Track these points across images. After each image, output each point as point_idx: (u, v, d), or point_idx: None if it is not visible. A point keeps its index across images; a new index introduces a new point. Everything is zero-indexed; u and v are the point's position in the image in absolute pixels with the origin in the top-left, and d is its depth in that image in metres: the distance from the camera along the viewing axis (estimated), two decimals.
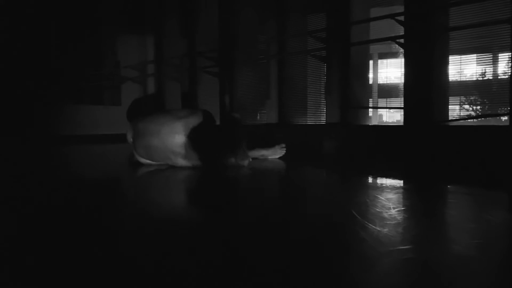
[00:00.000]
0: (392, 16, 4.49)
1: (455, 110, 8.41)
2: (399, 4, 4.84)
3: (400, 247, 1.30)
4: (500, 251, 1.34)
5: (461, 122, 5.08)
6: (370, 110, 18.18)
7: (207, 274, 1.10)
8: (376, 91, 20.77)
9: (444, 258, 1.24)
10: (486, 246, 1.34)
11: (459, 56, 6.04)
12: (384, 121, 24.12)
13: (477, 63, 5.96)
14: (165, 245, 1.39)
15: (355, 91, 5.03)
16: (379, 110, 23.10)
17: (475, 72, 7.38)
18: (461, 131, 4.02)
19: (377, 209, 1.84)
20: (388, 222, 1.60)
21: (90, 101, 9.02)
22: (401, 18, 4.47)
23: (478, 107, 10.23)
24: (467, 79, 8.17)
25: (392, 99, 19.51)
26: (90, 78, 8.88)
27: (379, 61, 21.66)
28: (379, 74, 21.65)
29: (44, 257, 1.27)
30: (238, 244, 1.41)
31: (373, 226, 1.53)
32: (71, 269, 1.16)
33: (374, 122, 18.97)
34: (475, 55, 5.82)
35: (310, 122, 5.86)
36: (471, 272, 1.13)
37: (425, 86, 4.32)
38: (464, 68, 7.40)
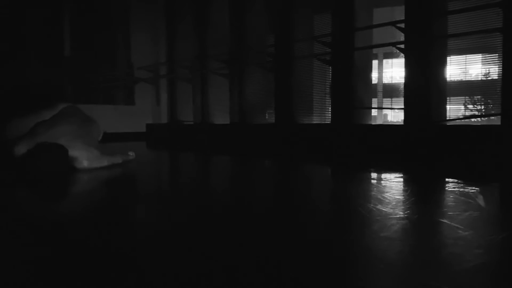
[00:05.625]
0: (393, 23, 4.82)
1: (459, 110, 8.59)
2: (400, 4, 5.09)
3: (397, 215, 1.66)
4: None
5: (460, 122, 5.36)
6: (374, 110, 18.45)
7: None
8: (381, 90, 21.00)
9: (424, 220, 1.59)
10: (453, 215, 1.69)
11: (464, 56, 6.23)
12: (389, 120, 24.32)
13: (482, 63, 6.12)
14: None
15: (358, 92, 5.36)
16: (384, 109, 23.31)
17: (479, 72, 7.54)
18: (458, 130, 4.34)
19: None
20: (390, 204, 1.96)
21: (103, 101, 9.39)
22: (402, 25, 4.79)
23: (482, 107, 10.45)
24: (471, 79, 8.34)
25: (397, 98, 19.70)
26: (104, 79, 9.27)
27: (384, 60, 21.87)
28: (384, 74, 21.86)
29: None
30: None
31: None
32: None
33: (379, 121, 19.24)
34: (480, 55, 6.01)
35: (316, 121, 6.20)
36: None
37: (424, 88, 4.65)
38: (469, 68, 7.46)
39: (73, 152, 3.35)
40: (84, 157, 3.41)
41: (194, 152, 6.03)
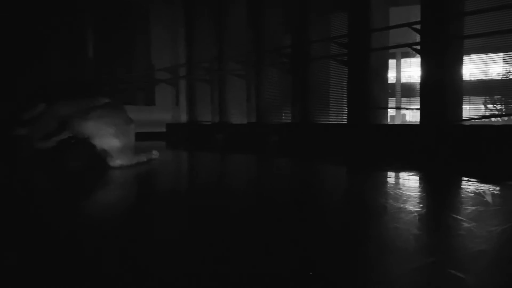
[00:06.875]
0: (409, 24, 4.88)
1: (479, 110, 8.50)
2: (416, 3, 5.13)
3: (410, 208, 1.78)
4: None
5: (479, 121, 5.37)
6: (392, 110, 18.35)
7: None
8: (399, 90, 20.83)
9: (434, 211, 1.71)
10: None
11: (482, 55, 6.19)
12: (408, 120, 24.13)
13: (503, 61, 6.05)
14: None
15: (374, 92, 5.44)
16: (402, 109, 23.11)
17: (499, 71, 7.43)
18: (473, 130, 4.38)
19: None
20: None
21: (124, 101, 9.65)
22: (418, 26, 4.85)
23: (503, 107, 10.31)
24: (490, 78, 8.23)
25: (415, 98, 19.50)
26: (125, 80, 9.55)
27: (402, 60, 21.68)
28: (402, 73, 21.67)
29: None
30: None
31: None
32: None
33: (397, 121, 19.11)
34: (501, 54, 5.97)
35: (332, 121, 6.29)
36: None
37: (440, 88, 4.70)
38: (487, 67, 7.32)
39: (109, 147, 3.64)
40: (118, 156, 3.71)
41: (211, 152, 6.20)
